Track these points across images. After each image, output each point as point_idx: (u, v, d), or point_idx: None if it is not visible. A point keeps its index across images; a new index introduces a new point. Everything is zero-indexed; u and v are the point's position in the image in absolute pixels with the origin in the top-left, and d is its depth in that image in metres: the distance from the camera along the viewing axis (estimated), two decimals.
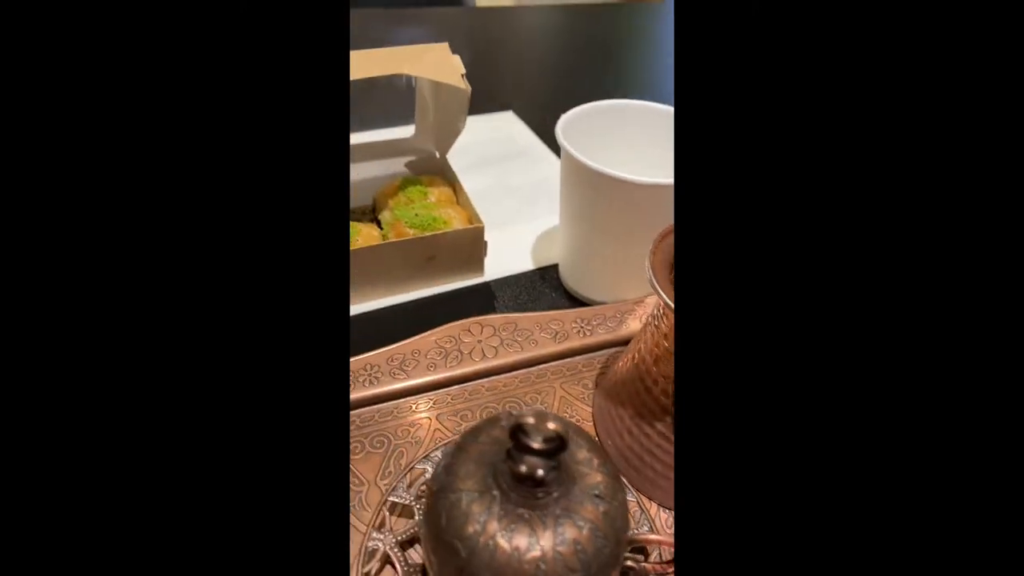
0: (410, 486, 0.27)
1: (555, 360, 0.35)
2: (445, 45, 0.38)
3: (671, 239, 0.27)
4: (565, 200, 0.38)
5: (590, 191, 0.35)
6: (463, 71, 0.37)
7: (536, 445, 0.16)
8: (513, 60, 0.83)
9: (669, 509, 0.27)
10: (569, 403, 0.32)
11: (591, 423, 0.31)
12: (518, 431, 0.16)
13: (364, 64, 0.35)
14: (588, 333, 0.36)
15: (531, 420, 0.16)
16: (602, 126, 0.39)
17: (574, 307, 0.39)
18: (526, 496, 0.16)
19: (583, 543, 0.16)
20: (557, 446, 0.16)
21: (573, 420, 0.31)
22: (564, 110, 0.37)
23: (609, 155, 0.38)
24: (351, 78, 0.34)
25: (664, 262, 0.26)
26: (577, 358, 0.35)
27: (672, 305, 0.23)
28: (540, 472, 0.16)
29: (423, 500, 0.26)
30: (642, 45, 0.93)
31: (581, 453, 0.18)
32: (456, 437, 0.29)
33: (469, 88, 0.37)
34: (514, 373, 0.34)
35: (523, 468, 0.16)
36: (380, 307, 0.39)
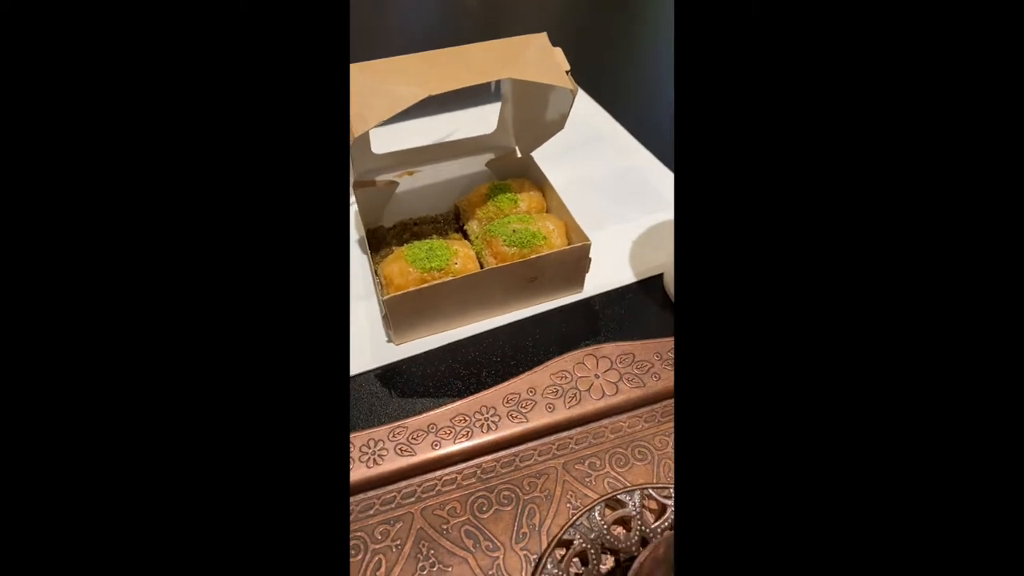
0: (557, 556, 0.25)
1: None
2: (544, 36, 0.34)
3: None
4: None
5: None
6: (568, 67, 0.33)
7: None
8: (574, 25, 0.76)
9: None
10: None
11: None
12: None
13: (455, 68, 0.31)
14: None
15: None
16: None
17: None
18: None
19: None
20: None
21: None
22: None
23: None
24: (444, 88, 0.30)
25: None
26: None
27: None
28: None
29: (572, 571, 0.24)
30: None
31: None
32: (602, 501, 0.26)
33: (576, 88, 0.33)
34: (637, 412, 0.31)
35: None
36: (475, 332, 0.36)
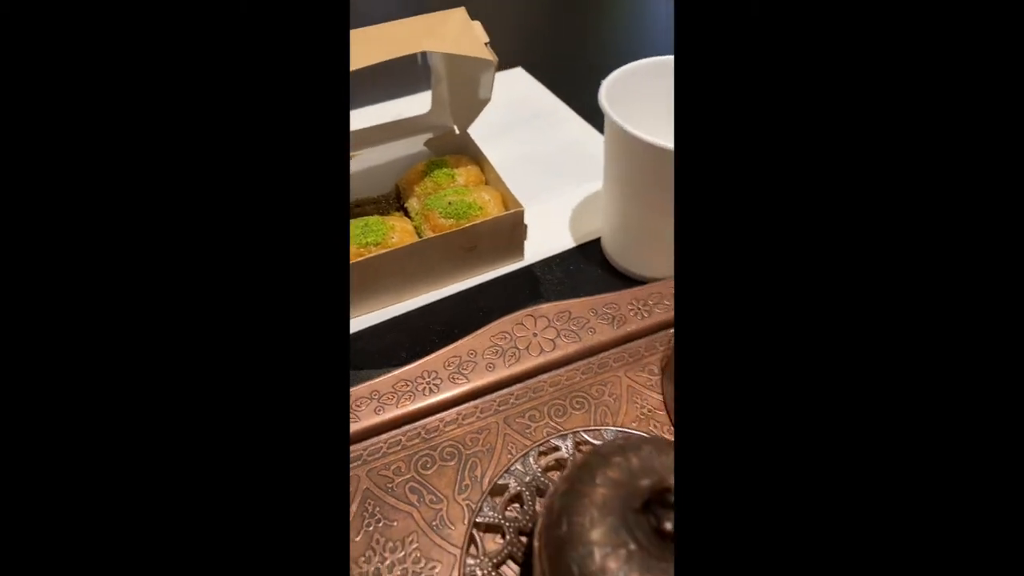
0: (494, 497, 0.26)
1: (616, 347, 0.33)
2: (462, 11, 0.35)
3: None
4: (611, 172, 0.35)
5: (639, 163, 0.32)
6: (487, 39, 0.34)
7: None
8: (515, 8, 0.77)
9: None
10: (637, 392, 0.31)
11: (664, 412, 0.30)
12: (664, 494, 0.14)
13: (376, 44, 0.32)
14: (647, 314, 0.34)
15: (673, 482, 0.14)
16: (649, 88, 0.36)
17: (622, 283, 0.37)
18: (669, 551, 0.15)
19: None
20: None
21: (644, 410, 0.30)
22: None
23: (658, 119, 0.35)
24: (365, 63, 0.30)
25: None
26: (638, 342, 0.33)
27: None
28: None
29: (509, 514, 0.25)
30: None
31: None
32: (537, 447, 0.28)
33: (495, 59, 0.34)
34: (575, 365, 0.33)
35: (669, 526, 0.14)
36: (421, 304, 0.37)
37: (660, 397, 0.31)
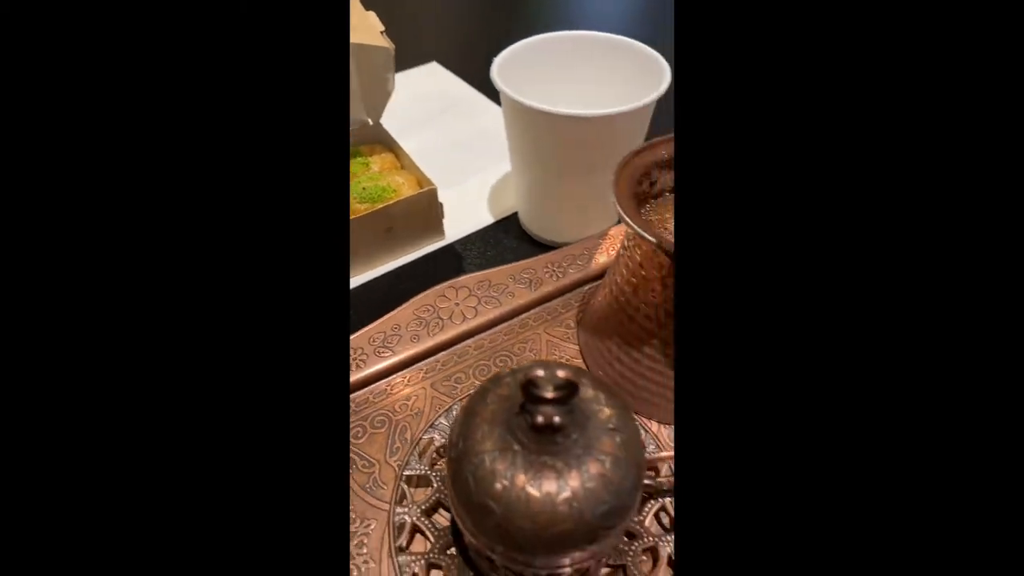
0: (422, 456, 0.27)
1: (534, 308, 0.35)
2: (355, 2, 0.36)
3: (632, 167, 0.27)
4: (513, 146, 0.37)
5: (536, 132, 0.34)
6: (382, 28, 0.35)
7: (549, 395, 0.16)
8: (426, 5, 0.78)
9: (668, 424, 0.29)
10: (555, 345, 0.33)
11: (580, 360, 0.32)
12: (530, 386, 0.16)
13: None
14: (561, 275, 0.36)
15: (540, 372, 0.16)
16: (540, 64, 0.38)
17: (542, 252, 0.39)
18: (546, 444, 0.17)
19: (608, 474, 0.17)
20: (569, 392, 0.16)
21: (562, 360, 0.32)
22: (493, 52, 0.36)
23: (551, 92, 0.37)
24: None
25: (629, 191, 0.26)
26: (555, 301, 0.35)
27: (644, 234, 0.23)
28: (557, 419, 0.16)
29: (438, 468, 0.26)
30: None
31: (588, 392, 0.19)
32: (459, 402, 0.30)
33: (392, 46, 0.35)
34: (497, 328, 0.34)
35: (540, 419, 0.16)
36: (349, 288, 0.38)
37: (576, 347, 0.33)
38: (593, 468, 0.17)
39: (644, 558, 0.23)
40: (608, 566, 0.23)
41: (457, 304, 0.35)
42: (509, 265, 0.37)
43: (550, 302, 0.35)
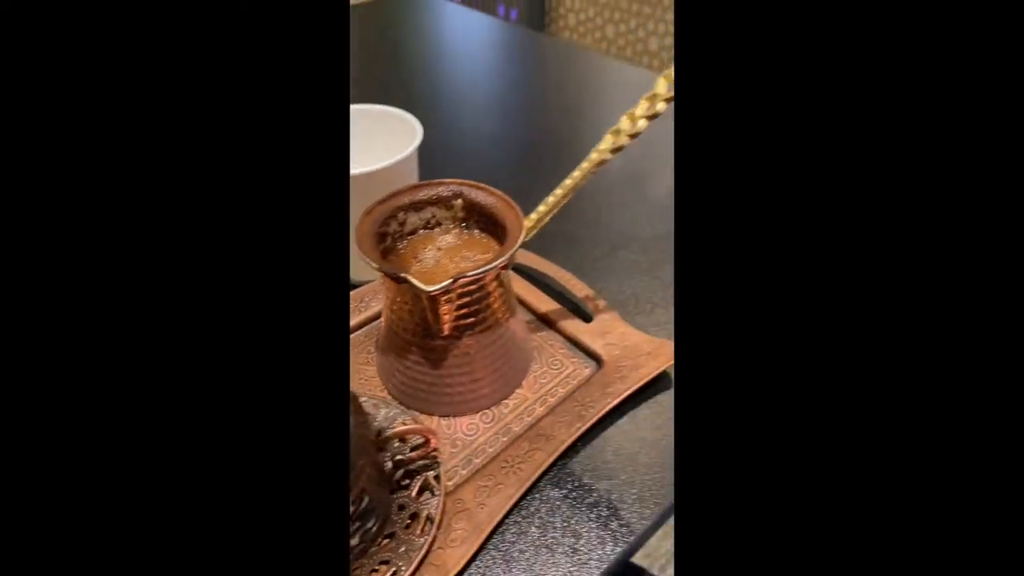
0: None
1: None
2: None
3: (376, 212, 0.33)
4: None
5: None
6: None
7: None
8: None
9: (440, 416, 0.35)
10: (358, 370, 0.38)
11: (378, 379, 0.38)
12: None
13: None
14: (364, 309, 0.42)
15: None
16: None
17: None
18: None
19: None
20: None
21: (364, 381, 0.37)
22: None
23: None
24: None
25: (372, 230, 0.32)
26: (356, 333, 0.41)
27: (373, 264, 0.29)
28: None
29: None
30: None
31: None
32: None
33: None
34: None
35: None
36: None
37: (374, 369, 0.38)
38: None
39: (409, 521, 0.29)
40: (385, 536, 0.28)
41: None
42: None
43: (353, 333, 0.41)
